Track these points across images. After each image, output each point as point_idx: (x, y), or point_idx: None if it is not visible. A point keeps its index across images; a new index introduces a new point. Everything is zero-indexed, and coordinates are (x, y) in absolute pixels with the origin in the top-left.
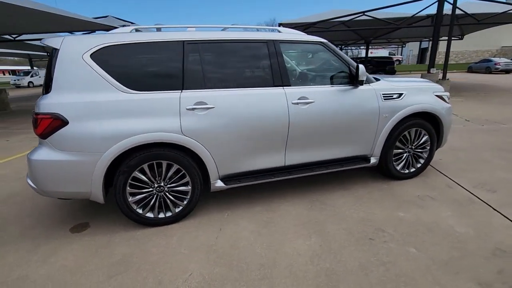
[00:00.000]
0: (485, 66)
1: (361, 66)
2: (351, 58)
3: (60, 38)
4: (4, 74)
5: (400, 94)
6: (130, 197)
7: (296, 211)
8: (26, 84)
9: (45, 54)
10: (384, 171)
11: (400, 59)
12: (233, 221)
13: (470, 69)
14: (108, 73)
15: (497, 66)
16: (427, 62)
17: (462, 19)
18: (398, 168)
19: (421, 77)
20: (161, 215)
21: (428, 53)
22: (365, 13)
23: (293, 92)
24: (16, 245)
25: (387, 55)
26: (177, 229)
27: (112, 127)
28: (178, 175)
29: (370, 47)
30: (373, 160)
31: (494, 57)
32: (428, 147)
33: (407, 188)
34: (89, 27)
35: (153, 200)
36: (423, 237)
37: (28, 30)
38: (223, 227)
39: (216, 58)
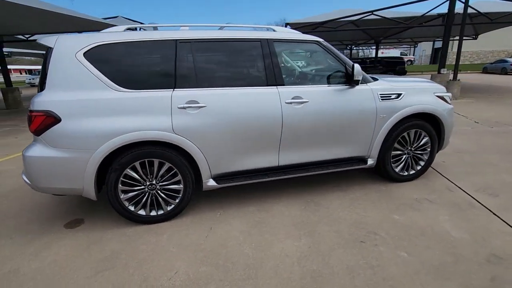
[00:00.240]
0: (500, 67)
1: (357, 66)
2: (361, 58)
3: (54, 37)
4: (21, 73)
5: (399, 95)
6: (122, 195)
7: (289, 212)
8: None
9: None
10: (382, 173)
11: (412, 59)
12: (224, 221)
13: (485, 70)
14: (101, 72)
15: None
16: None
17: (475, 19)
18: (397, 170)
19: (431, 77)
20: (153, 213)
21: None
22: (374, 13)
23: (287, 91)
24: (12, 238)
25: (398, 55)
26: (168, 227)
27: (104, 125)
28: (170, 174)
29: (381, 47)
30: (370, 162)
31: (510, 57)
32: (429, 149)
33: (405, 190)
34: (99, 28)
35: (145, 198)
36: (416, 241)
37: (40, 31)
38: (214, 226)
39: (208, 57)
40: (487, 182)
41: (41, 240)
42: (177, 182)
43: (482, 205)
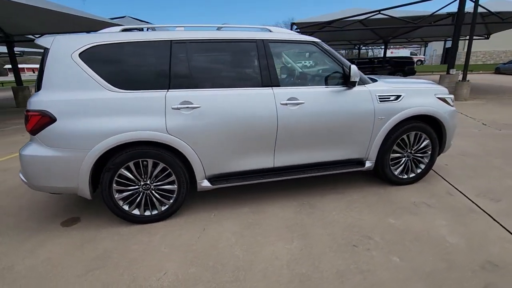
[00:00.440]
0: None
1: (353, 67)
2: (369, 58)
3: (51, 38)
4: (33, 72)
5: (398, 96)
6: (117, 194)
7: (284, 214)
8: None
9: None
10: (381, 175)
11: (423, 59)
12: (218, 222)
13: (498, 70)
14: (96, 72)
15: None
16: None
17: (486, 18)
18: (396, 173)
19: (440, 78)
20: (147, 213)
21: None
22: (381, 12)
23: (282, 92)
24: (9, 236)
25: (408, 55)
26: (161, 227)
27: (98, 125)
28: (164, 174)
29: (391, 46)
30: (368, 164)
31: None
32: (430, 152)
33: (404, 193)
34: (106, 27)
35: (139, 198)
36: (410, 246)
37: (49, 30)
38: (207, 227)
39: (203, 58)
40: (489, 186)
41: (37, 238)
42: (171, 183)
43: (482, 210)
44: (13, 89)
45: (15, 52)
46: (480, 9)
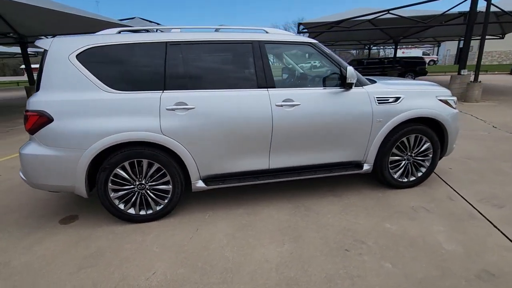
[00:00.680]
0: None
1: (350, 68)
2: (379, 58)
3: (50, 40)
4: None
5: (397, 98)
6: (112, 193)
7: (278, 216)
8: None
9: None
10: (380, 178)
11: (435, 59)
12: (212, 222)
13: None
14: (92, 73)
15: None
16: (467, 63)
17: (501, 17)
18: (396, 176)
19: (451, 79)
20: (142, 212)
21: (470, 52)
22: (390, 11)
23: (277, 94)
24: (9, 232)
25: (419, 55)
26: (156, 227)
27: (94, 125)
28: (159, 174)
29: (403, 46)
30: (366, 167)
31: None
32: (431, 155)
33: (403, 197)
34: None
35: (134, 197)
36: (403, 252)
37: (60, 31)
38: (200, 227)
39: (198, 59)
40: (493, 191)
41: (36, 235)
42: (166, 183)
43: (484, 216)
44: (26, 88)
45: (29, 52)
46: (493, 8)
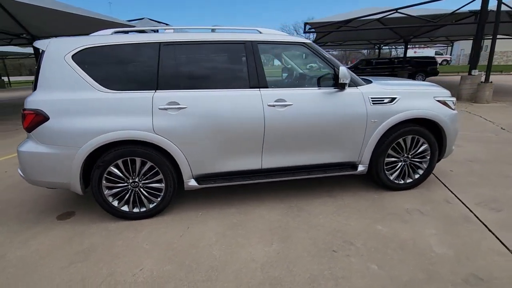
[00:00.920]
0: None
1: (342, 68)
2: (388, 58)
3: (47, 40)
4: None
5: (393, 99)
6: (106, 191)
7: (270, 216)
8: None
9: None
10: (375, 180)
11: (449, 59)
12: (203, 221)
13: None
14: (87, 73)
15: None
16: (481, 63)
17: None
18: (392, 177)
19: (461, 79)
20: (136, 210)
21: (483, 52)
22: (398, 10)
23: (269, 94)
24: (8, 226)
25: (431, 55)
26: (148, 224)
27: (88, 124)
28: (152, 172)
29: (415, 46)
30: (361, 168)
31: None
32: (428, 157)
33: (399, 199)
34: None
35: (128, 195)
36: (392, 254)
37: (69, 32)
38: (191, 226)
39: (191, 59)
40: (493, 195)
41: (33, 230)
42: (159, 181)
43: (479, 220)
44: None
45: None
46: (505, 8)
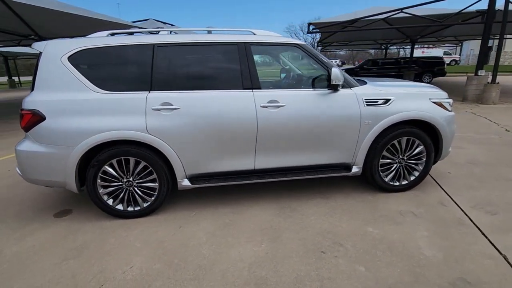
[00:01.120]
0: None
1: (334, 69)
2: (396, 58)
3: (44, 42)
4: None
5: (387, 100)
6: (101, 189)
7: (262, 216)
8: None
9: None
10: (370, 181)
11: (457, 59)
12: (196, 221)
13: None
14: (83, 74)
15: None
16: (490, 63)
17: None
18: (387, 179)
19: (467, 80)
20: (130, 209)
21: (492, 52)
22: (403, 10)
23: (262, 95)
24: (7, 223)
25: (438, 55)
26: (141, 223)
27: (83, 124)
28: (146, 172)
29: (424, 46)
30: (355, 169)
31: None
32: (424, 159)
33: (393, 201)
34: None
35: (122, 194)
36: (380, 256)
37: (76, 33)
38: (184, 225)
39: (185, 61)
40: (490, 198)
41: (30, 227)
42: (153, 180)
43: (473, 223)
44: None
45: None
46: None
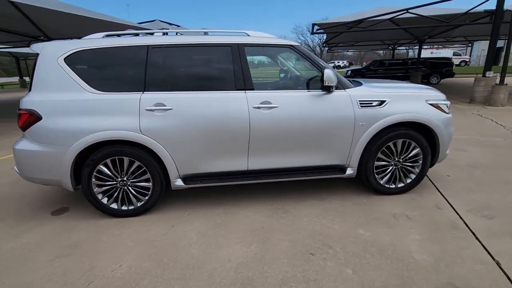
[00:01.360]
0: None
1: (327, 71)
2: (404, 59)
3: (42, 44)
4: None
5: (382, 102)
6: (96, 188)
7: (255, 217)
8: None
9: None
10: (365, 183)
11: (467, 59)
12: (188, 221)
13: None
14: (78, 75)
15: None
16: (501, 64)
17: None
18: (382, 181)
19: (474, 81)
20: (124, 208)
21: (503, 53)
22: (409, 10)
23: (255, 96)
24: (5, 220)
25: (447, 56)
26: (135, 222)
27: (78, 124)
28: (140, 171)
29: (433, 47)
30: (349, 171)
31: None
32: (421, 161)
33: (387, 204)
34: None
35: (116, 193)
36: (369, 259)
37: (83, 34)
38: (176, 225)
39: (178, 62)
40: (488, 202)
41: (27, 224)
42: (147, 180)
43: (468, 227)
44: None
45: None
46: None
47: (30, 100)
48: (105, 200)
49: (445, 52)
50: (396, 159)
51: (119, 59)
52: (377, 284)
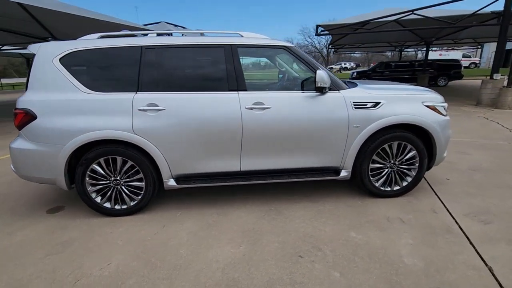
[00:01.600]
0: None
1: (319, 72)
2: (411, 61)
3: (38, 44)
4: None
5: (376, 103)
6: (90, 187)
7: (247, 218)
8: None
9: None
10: (360, 186)
11: (477, 61)
12: (180, 221)
13: None
14: (73, 75)
15: None
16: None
17: None
18: (377, 184)
19: (482, 83)
20: (117, 207)
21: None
22: (414, 12)
23: (248, 97)
24: (1, 218)
25: (455, 58)
26: (128, 221)
27: (72, 124)
28: (133, 171)
29: (443, 48)
30: (344, 173)
31: None
32: (417, 164)
33: (382, 207)
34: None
35: (110, 192)
36: (358, 262)
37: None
38: (168, 225)
39: (171, 62)
40: (486, 206)
41: (23, 222)
42: (140, 180)
43: (463, 231)
44: None
45: None
46: None
47: (26, 100)
48: (98, 199)
49: (454, 54)
50: (392, 161)
51: (113, 60)
52: None
